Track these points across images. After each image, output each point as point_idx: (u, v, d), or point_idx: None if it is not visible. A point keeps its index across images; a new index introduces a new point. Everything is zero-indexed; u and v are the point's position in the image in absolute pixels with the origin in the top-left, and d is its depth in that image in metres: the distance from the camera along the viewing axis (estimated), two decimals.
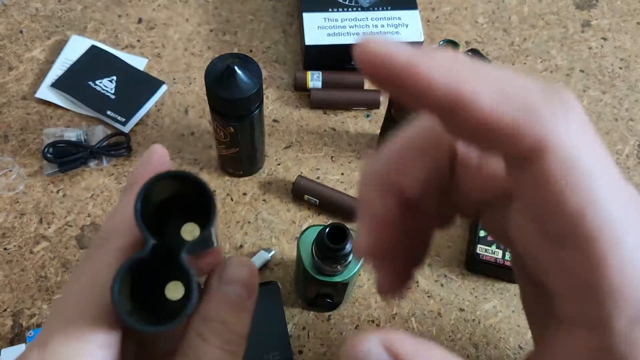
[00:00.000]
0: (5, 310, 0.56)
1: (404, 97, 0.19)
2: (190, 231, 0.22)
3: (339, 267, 0.47)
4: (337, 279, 0.48)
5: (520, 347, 0.57)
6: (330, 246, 0.44)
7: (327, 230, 0.45)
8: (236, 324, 0.23)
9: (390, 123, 0.61)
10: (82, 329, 0.21)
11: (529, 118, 0.17)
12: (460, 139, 0.19)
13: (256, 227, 0.61)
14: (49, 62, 0.70)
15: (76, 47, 0.70)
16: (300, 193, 0.61)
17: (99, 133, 0.64)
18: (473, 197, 0.22)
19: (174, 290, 0.22)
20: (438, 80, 0.18)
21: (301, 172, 0.65)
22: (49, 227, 0.60)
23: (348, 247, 0.45)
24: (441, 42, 0.51)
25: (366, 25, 0.68)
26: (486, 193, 0.21)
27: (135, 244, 0.23)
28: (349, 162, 0.66)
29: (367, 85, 0.71)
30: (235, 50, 0.73)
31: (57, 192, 0.62)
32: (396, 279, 0.24)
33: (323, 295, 0.52)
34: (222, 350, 0.22)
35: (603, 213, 0.17)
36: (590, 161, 0.17)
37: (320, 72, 0.69)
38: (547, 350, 0.19)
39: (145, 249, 0.21)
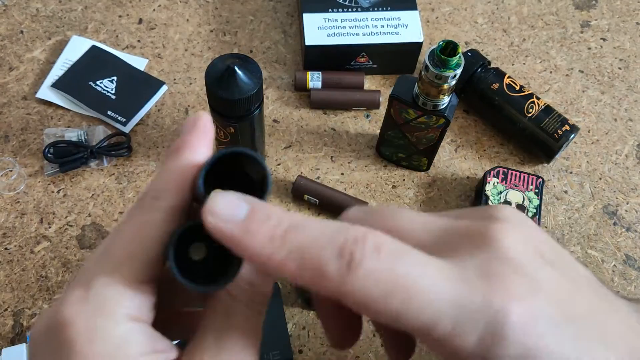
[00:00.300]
0: (6, 309, 0.56)
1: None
2: None
3: None
4: None
5: None
6: None
7: None
8: (261, 285, 0.25)
9: (390, 123, 0.61)
10: (127, 275, 0.23)
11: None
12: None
13: None
14: (50, 63, 0.70)
15: (77, 48, 0.70)
16: (300, 193, 0.62)
17: (99, 133, 0.65)
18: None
19: (198, 251, 0.24)
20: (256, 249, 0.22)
21: (301, 172, 0.65)
22: (50, 227, 0.61)
23: None
24: (441, 42, 0.51)
25: (366, 25, 0.68)
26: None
27: (182, 204, 0.25)
28: (349, 162, 0.66)
29: (367, 85, 0.72)
30: (236, 51, 0.73)
31: (58, 192, 0.63)
32: (344, 331, 0.28)
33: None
34: (248, 307, 0.25)
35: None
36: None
37: (320, 73, 0.69)
38: None
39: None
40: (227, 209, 0.22)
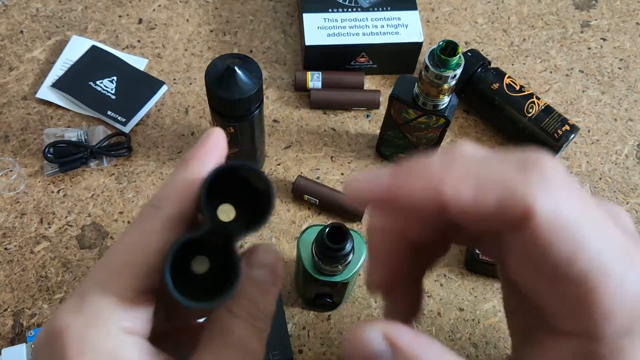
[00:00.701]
0: (5, 310, 0.56)
1: (397, 213, 0.22)
2: (226, 212, 0.24)
3: (339, 266, 0.47)
4: (337, 278, 0.48)
5: None
6: (330, 246, 0.45)
7: (327, 230, 0.45)
8: (263, 303, 0.25)
9: (390, 123, 0.61)
10: (123, 285, 0.23)
11: (509, 196, 0.19)
12: (455, 221, 0.21)
13: None
14: (50, 63, 0.70)
15: (77, 48, 0.70)
16: (300, 193, 0.62)
17: (99, 133, 0.65)
18: (468, 234, 0.24)
19: (200, 265, 0.24)
20: (419, 193, 0.20)
21: (301, 172, 0.65)
22: (50, 227, 0.61)
23: (348, 246, 0.45)
24: (441, 42, 0.51)
25: (366, 25, 0.68)
26: (479, 231, 0.22)
27: (182, 215, 0.24)
28: (349, 162, 0.66)
29: (367, 85, 0.72)
30: (236, 51, 0.73)
31: (58, 192, 0.63)
32: (407, 310, 0.27)
33: (323, 295, 0.53)
34: (249, 324, 0.24)
35: (591, 253, 0.19)
36: (572, 213, 0.20)
37: (320, 73, 0.69)
38: (535, 352, 0.21)
39: (203, 230, 0.22)
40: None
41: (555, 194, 0.20)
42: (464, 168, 0.20)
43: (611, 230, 0.20)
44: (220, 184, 0.23)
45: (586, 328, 0.20)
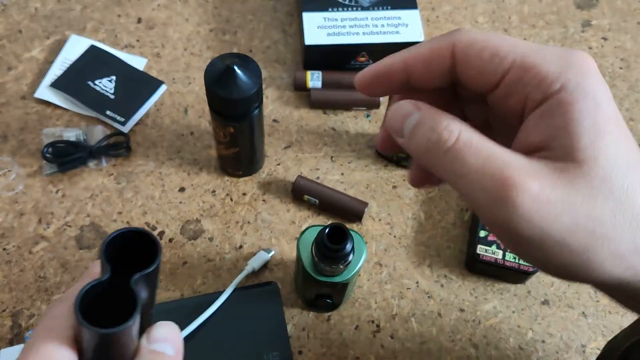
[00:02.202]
0: (4, 310, 0.56)
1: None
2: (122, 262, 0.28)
3: (340, 266, 0.46)
4: (337, 279, 0.48)
5: (521, 348, 0.57)
6: (330, 246, 0.44)
7: (326, 230, 0.45)
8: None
9: None
10: (51, 343, 0.27)
11: (557, 72, 0.25)
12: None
13: (256, 227, 0.61)
14: (48, 62, 0.70)
15: (75, 47, 0.70)
16: (300, 193, 0.61)
17: (98, 133, 0.64)
18: (473, 90, 0.29)
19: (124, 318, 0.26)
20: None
21: (301, 172, 0.65)
22: (48, 227, 0.60)
23: (348, 247, 0.45)
24: None
25: (366, 25, 0.68)
26: (483, 86, 0.28)
27: None
28: (349, 162, 0.66)
29: None
30: (235, 50, 0.72)
31: (56, 192, 0.62)
32: (423, 174, 0.32)
33: (322, 295, 0.52)
34: None
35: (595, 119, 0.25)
36: (597, 93, 0.25)
37: (320, 72, 0.69)
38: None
39: (103, 277, 0.26)
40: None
41: (583, 79, 0.25)
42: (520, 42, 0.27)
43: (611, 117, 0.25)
44: (121, 248, 0.27)
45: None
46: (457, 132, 0.25)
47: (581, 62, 0.25)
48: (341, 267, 0.47)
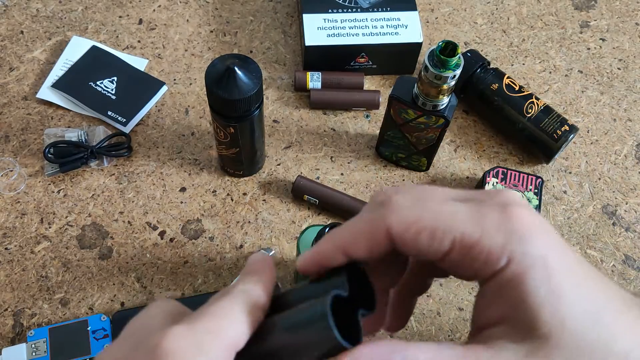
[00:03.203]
0: (6, 309, 0.56)
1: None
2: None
3: None
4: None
5: None
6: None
7: (326, 230, 0.45)
8: None
9: (390, 123, 0.61)
10: (223, 345, 0.25)
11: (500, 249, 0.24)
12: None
13: (256, 227, 0.62)
14: (50, 63, 0.70)
15: (77, 48, 0.70)
16: (300, 193, 0.62)
17: (99, 133, 0.65)
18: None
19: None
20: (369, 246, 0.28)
21: (301, 172, 0.65)
22: (50, 227, 0.61)
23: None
24: (440, 43, 0.51)
25: (366, 26, 0.68)
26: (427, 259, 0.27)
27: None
28: (349, 162, 0.66)
29: (367, 85, 0.72)
30: (236, 51, 0.73)
31: (58, 192, 0.63)
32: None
33: None
34: None
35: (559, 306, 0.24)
36: (545, 255, 0.24)
37: (320, 73, 0.69)
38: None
39: (343, 291, 0.26)
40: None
41: (528, 248, 0.24)
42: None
43: (582, 275, 0.25)
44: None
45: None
46: None
47: (522, 225, 0.24)
48: None
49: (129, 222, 0.61)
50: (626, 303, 0.25)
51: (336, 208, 0.61)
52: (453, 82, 0.53)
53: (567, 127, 0.64)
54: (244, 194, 0.64)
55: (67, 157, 0.62)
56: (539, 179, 0.62)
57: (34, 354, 0.52)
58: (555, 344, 0.23)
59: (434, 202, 0.26)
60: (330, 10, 0.69)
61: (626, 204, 0.65)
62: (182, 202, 0.63)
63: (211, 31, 0.74)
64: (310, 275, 0.29)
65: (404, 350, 0.24)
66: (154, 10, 0.75)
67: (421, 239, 0.25)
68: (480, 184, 0.63)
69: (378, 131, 0.67)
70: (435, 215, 0.25)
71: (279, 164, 0.66)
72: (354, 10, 0.70)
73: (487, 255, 0.24)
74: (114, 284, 0.58)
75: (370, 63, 0.70)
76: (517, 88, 0.66)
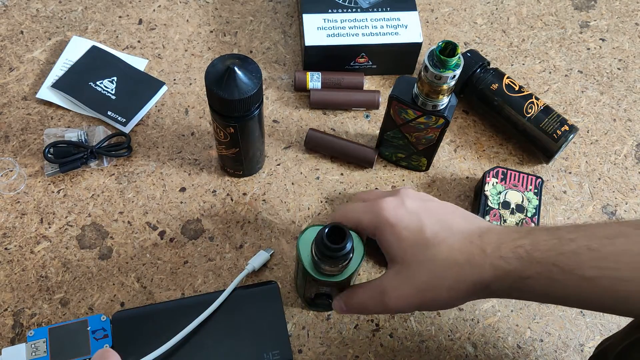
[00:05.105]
0: (6, 309, 0.56)
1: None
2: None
3: (339, 266, 0.47)
4: (337, 278, 0.48)
5: (519, 347, 0.57)
6: (330, 246, 0.45)
7: (326, 230, 0.45)
8: None
9: (390, 123, 0.61)
10: None
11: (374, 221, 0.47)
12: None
13: (256, 227, 0.62)
14: (50, 63, 0.70)
15: (77, 48, 0.70)
16: (313, 145, 0.65)
17: (99, 133, 0.65)
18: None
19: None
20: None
21: (301, 172, 0.65)
22: (50, 227, 0.61)
23: (348, 246, 0.45)
24: (440, 43, 0.51)
25: (365, 26, 0.68)
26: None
27: None
28: (349, 162, 0.66)
29: (367, 85, 0.72)
30: (236, 51, 0.73)
31: (58, 192, 0.63)
32: None
33: (322, 295, 0.53)
34: None
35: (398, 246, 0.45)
36: (393, 225, 0.45)
37: (320, 73, 0.69)
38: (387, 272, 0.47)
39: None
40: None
41: (388, 216, 0.46)
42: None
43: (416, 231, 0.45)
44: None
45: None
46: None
47: (380, 208, 0.46)
48: (340, 266, 0.47)
49: (128, 222, 0.61)
50: (441, 225, 0.44)
51: (348, 156, 0.65)
52: (453, 82, 0.53)
53: (567, 127, 0.64)
54: (244, 194, 0.64)
55: (67, 157, 0.62)
56: (539, 179, 0.62)
57: (33, 354, 0.52)
58: (406, 263, 0.43)
59: (350, 205, 0.50)
60: (330, 10, 0.69)
61: (626, 204, 0.65)
62: (182, 202, 0.63)
63: (211, 31, 0.74)
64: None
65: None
66: (154, 10, 0.75)
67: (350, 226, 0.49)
68: (480, 184, 0.63)
69: (378, 131, 0.67)
70: (346, 213, 0.50)
71: (279, 164, 0.66)
72: (354, 10, 0.70)
73: (365, 229, 0.47)
74: (113, 284, 0.58)
75: (370, 63, 0.70)
76: (517, 88, 0.66)
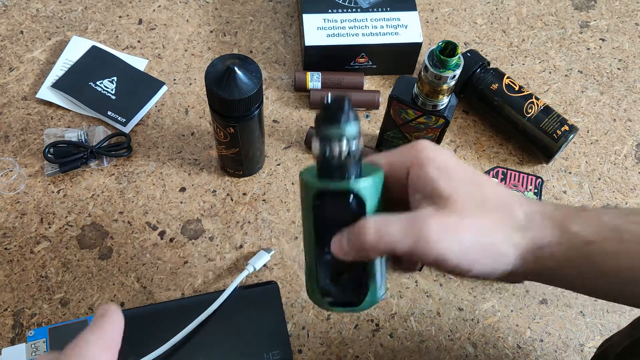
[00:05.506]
0: (6, 309, 0.56)
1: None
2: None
3: (344, 141, 0.35)
4: (350, 185, 0.36)
5: (519, 347, 0.57)
6: (328, 106, 0.35)
7: (327, 99, 0.35)
8: None
9: (390, 123, 0.61)
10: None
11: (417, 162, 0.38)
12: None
13: (256, 227, 0.62)
14: (50, 63, 0.70)
15: (77, 48, 0.70)
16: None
17: (99, 133, 0.65)
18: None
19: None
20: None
21: (301, 172, 0.65)
22: (50, 227, 0.61)
23: (347, 109, 0.35)
24: (440, 43, 0.51)
25: (365, 26, 0.68)
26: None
27: None
28: None
29: (367, 85, 0.72)
30: (236, 51, 0.73)
31: (58, 192, 0.63)
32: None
33: (341, 272, 0.40)
34: None
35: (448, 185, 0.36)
36: (441, 161, 0.37)
37: (320, 73, 0.69)
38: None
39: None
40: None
41: (432, 155, 0.37)
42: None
43: (463, 175, 0.37)
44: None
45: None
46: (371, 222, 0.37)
47: (421, 147, 0.38)
48: (346, 143, 0.35)
49: (128, 222, 0.61)
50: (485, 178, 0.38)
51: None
52: (453, 82, 0.53)
53: (567, 127, 0.64)
54: (244, 194, 0.64)
55: (67, 157, 0.62)
56: (539, 179, 0.62)
57: (33, 354, 0.52)
58: (452, 200, 0.36)
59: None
60: (330, 10, 0.69)
61: (626, 204, 0.65)
62: (182, 202, 0.63)
63: (211, 31, 0.74)
64: None
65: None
66: (154, 10, 0.75)
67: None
68: None
69: (378, 131, 0.67)
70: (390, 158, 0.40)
71: (279, 164, 0.66)
72: (354, 10, 0.70)
73: (405, 164, 0.38)
74: (113, 284, 0.58)
75: (370, 63, 0.70)
76: (517, 88, 0.66)
